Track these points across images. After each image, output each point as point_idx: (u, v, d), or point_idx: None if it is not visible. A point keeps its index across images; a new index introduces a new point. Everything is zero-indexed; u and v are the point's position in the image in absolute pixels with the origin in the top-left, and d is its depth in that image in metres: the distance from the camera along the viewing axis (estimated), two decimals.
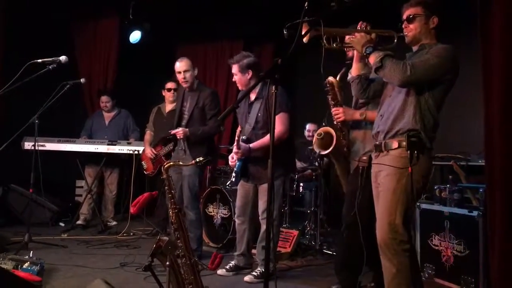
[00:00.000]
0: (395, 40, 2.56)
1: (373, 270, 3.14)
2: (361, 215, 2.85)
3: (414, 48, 2.61)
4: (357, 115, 3.07)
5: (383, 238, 2.43)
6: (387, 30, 2.59)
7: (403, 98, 2.49)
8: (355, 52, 2.72)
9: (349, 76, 2.83)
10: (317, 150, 3.18)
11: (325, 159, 4.77)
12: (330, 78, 3.11)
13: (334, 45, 2.64)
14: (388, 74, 2.45)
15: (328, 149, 3.08)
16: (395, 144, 2.47)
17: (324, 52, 2.62)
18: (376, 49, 2.51)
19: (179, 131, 4.11)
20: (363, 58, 2.68)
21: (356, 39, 2.57)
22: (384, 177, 2.50)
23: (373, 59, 2.49)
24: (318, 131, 3.19)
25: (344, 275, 3.10)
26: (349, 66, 3.01)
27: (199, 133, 4.13)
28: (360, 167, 2.96)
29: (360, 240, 2.82)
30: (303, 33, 2.64)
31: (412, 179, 2.37)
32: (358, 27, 2.61)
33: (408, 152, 2.39)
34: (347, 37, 2.62)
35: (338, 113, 3.10)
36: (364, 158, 2.97)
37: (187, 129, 4.13)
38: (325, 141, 3.12)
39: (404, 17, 2.56)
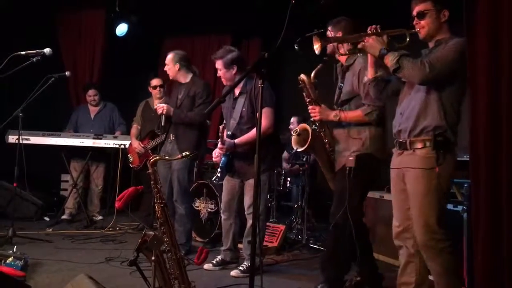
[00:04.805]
0: (407, 39, 2.53)
1: (358, 266, 3.16)
2: (352, 214, 2.87)
3: (430, 45, 2.58)
4: (331, 116, 3.06)
5: (422, 240, 2.45)
6: (398, 29, 2.55)
7: (424, 95, 2.48)
8: (368, 55, 2.68)
9: (365, 79, 2.79)
10: (294, 147, 3.18)
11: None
12: (302, 76, 3.09)
13: (347, 51, 2.66)
14: (407, 74, 2.44)
15: (305, 145, 3.08)
16: (420, 144, 2.47)
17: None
18: (390, 50, 2.48)
19: (163, 106, 4.13)
20: (377, 61, 2.65)
21: (368, 44, 2.54)
22: (413, 179, 2.49)
23: (389, 61, 2.47)
24: (295, 129, 3.19)
25: (330, 273, 3.09)
26: (326, 62, 2.99)
27: (182, 116, 4.13)
28: (347, 167, 2.96)
29: (347, 239, 2.85)
30: (315, 46, 2.67)
31: (441, 179, 2.40)
32: (368, 31, 2.57)
33: (435, 152, 2.40)
34: (360, 44, 2.58)
35: (314, 112, 3.09)
36: (351, 158, 2.96)
37: (172, 108, 4.13)
38: (303, 138, 3.12)
39: (414, 13, 2.54)
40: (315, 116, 3.09)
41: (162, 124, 4.28)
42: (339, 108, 3.14)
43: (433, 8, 2.50)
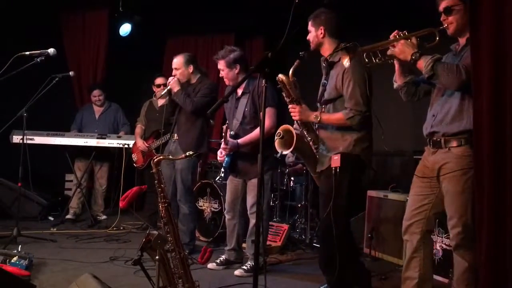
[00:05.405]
0: (437, 38, 2.45)
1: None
2: (338, 215, 2.81)
3: (461, 41, 2.51)
4: (312, 117, 2.94)
5: (457, 239, 2.44)
6: (425, 29, 2.47)
7: (459, 98, 2.42)
8: (395, 61, 2.59)
9: (395, 85, 2.72)
10: (279, 151, 3.04)
11: None
12: (280, 76, 2.97)
13: (377, 60, 2.51)
14: (443, 81, 2.39)
15: (290, 148, 2.98)
16: (455, 142, 2.43)
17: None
18: (422, 54, 2.41)
19: (172, 78, 4.15)
20: (405, 66, 2.59)
21: (398, 49, 2.45)
22: (450, 179, 2.45)
23: (422, 66, 2.40)
24: (277, 131, 3.06)
25: (331, 278, 3.02)
26: (302, 59, 2.88)
27: (181, 96, 4.09)
28: (333, 168, 2.86)
29: (339, 241, 2.79)
30: (344, 61, 2.58)
31: None
32: (395, 35, 2.49)
33: (472, 150, 2.31)
34: (389, 50, 2.49)
35: (294, 111, 2.98)
36: (336, 158, 2.85)
37: (178, 86, 4.11)
38: (287, 140, 3.01)
39: (441, 9, 2.46)
40: (294, 116, 2.99)
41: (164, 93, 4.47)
42: (322, 106, 3.04)
43: (460, 2, 2.41)
